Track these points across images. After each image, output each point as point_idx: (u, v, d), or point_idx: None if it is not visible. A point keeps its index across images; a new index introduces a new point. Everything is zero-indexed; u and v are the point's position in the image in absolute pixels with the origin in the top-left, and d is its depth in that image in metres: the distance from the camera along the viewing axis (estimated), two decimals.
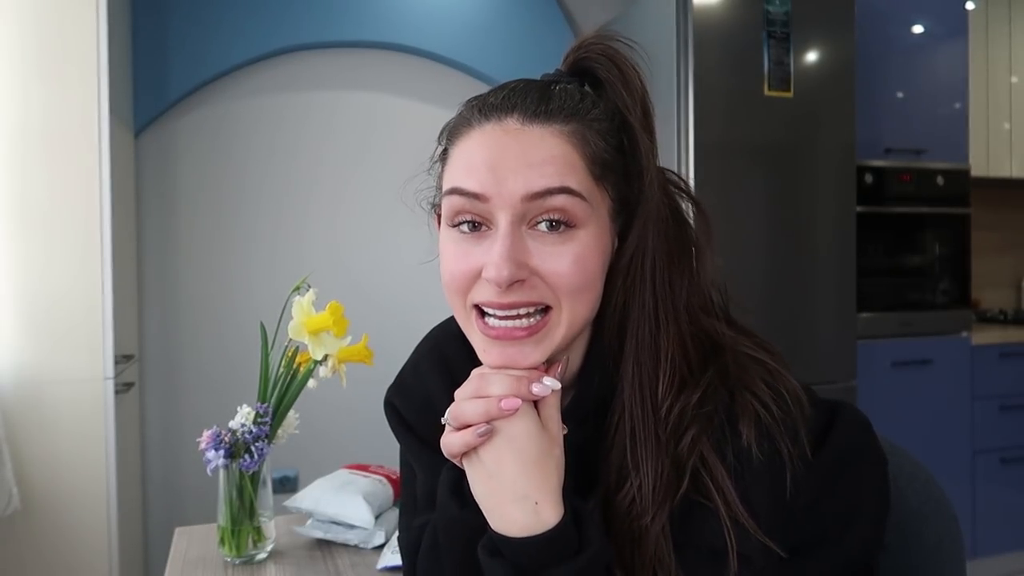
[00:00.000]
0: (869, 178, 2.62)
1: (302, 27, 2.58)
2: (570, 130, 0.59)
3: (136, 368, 2.38)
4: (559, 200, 0.57)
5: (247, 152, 2.59)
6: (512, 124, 0.59)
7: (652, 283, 0.62)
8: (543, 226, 0.58)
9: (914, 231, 2.74)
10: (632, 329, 0.62)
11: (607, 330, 0.63)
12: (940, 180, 2.74)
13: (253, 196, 2.60)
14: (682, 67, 2.21)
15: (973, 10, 2.97)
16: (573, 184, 0.58)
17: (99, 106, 1.91)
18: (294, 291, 1.11)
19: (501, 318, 0.59)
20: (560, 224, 0.58)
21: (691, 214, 0.68)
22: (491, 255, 0.57)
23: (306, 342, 1.08)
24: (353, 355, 1.12)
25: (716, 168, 2.22)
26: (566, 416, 0.63)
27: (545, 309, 0.59)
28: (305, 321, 1.07)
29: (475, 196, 0.58)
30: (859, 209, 2.48)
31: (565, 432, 0.61)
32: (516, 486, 0.57)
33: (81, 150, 1.90)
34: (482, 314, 0.60)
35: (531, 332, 0.59)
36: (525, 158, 0.58)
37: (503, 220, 0.58)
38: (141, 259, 2.49)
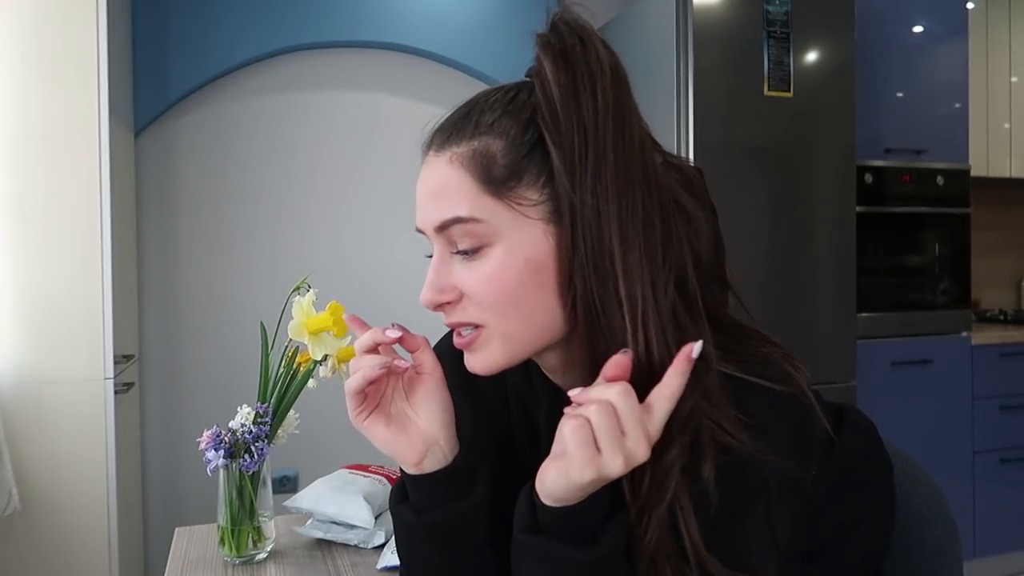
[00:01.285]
0: (869, 178, 2.62)
1: (302, 27, 2.58)
2: (463, 152, 0.60)
3: (136, 368, 2.38)
4: (456, 230, 0.60)
5: (247, 152, 2.59)
6: (430, 156, 0.63)
7: (612, 273, 0.57)
8: (460, 246, 0.61)
9: (914, 231, 2.74)
10: (596, 325, 0.58)
11: (577, 331, 0.61)
12: (940, 180, 2.75)
13: (253, 196, 2.60)
14: (682, 67, 2.21)
15: (973, 10, 2.97)
16: (463, 212, 0.59)
17: (99, 106, 1.91)
18: (294, 291, 1.11)
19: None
20: (468, 248, 0.60)
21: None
22: None
23: (306, 342, 1.08)
24: (353, 355, 1.12)
25: (716, 168, 2.22)
26: None
27: (476, 325, 0.62)
28: (305, 321, 1.07)
29: (419, 231, 0.64)
30: (859, 209, 2.48)
31: None
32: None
33: (81, 150, 1.90)
34: None
35: (467, 343, 0.62)
36: (428, 191, 0.62)
37: (435, 249, 0.62)
38: (141, 259, 2.49)
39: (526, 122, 0.60)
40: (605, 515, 0.55)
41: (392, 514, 0.67)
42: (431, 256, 0.63)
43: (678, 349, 0.55)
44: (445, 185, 0.60)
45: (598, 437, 0.50)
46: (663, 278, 0.58)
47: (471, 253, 0.60)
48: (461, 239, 0.60)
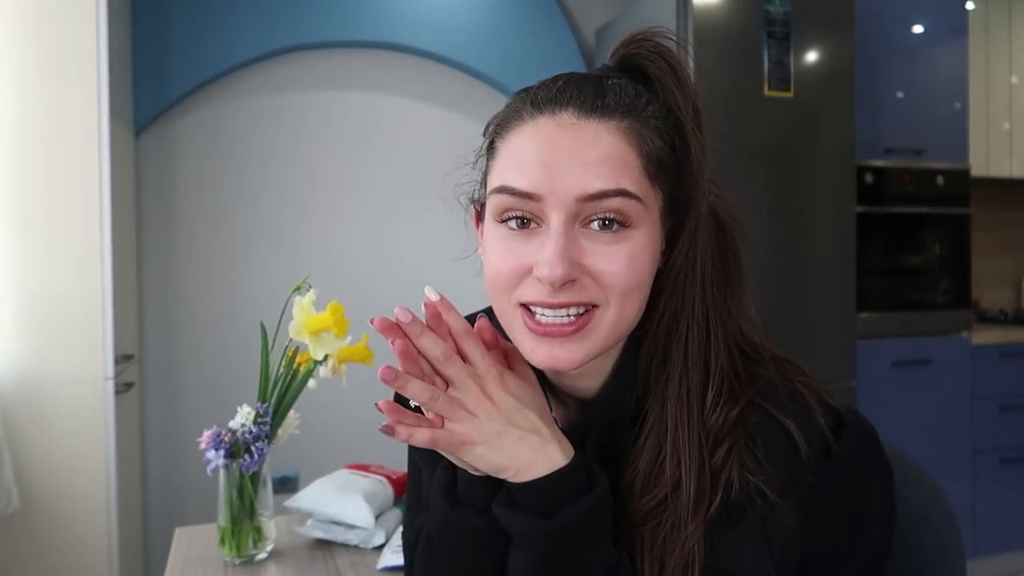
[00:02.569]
0: (869, 178, 2.62)
1: (302, 27, 2.58)
2: (626, 126, 0.57)
3: (136, 368, 2.38)
4: (614, 202, 0.56)
5: (247, 152, 2.59)
6: (567, 118, 0.57)
7: (703, 288, 0.60)
8: (596, 225, 0.57)
9: (914, 231, 2.74)
10: (680, 335, 0.60)
11: (651, 335, 0.62)
12: (940, 180, 2.74)
13: (253, 196, 2.60)
14: None
15: (973, 10, 2.97)
16: (629, 186, 0.56)
17: (99, 106, 1.91)
18: (295, 291, 1.11)
19: (550, 315, 0.58)
20: (614, 223, 0.56)
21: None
22: (543, 253, 0.56)
23: (306, 342, 1.08)
24: (353, 355, 1.12)
25: (716, 168, 2.21)
26: (590, 422, 0.64)
27: (591, 307, 0.58)
28: (305, 321, 1.07)
29: (527, 196, 0.56)
30: (859, 209, 2.48)
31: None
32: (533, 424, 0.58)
33: (81, 150, 1.90)
34: (529, 311, 0.59)
35: (577, 328, 0.57)
36: (580, 156, 0.55)
37: (556, 219, 0.56)
38: (141, 259, 2.49)
39: (665, 114, 0.60)
40: (570, 496, 0.56)
41: (489, 529, 0.59)
42: (518, 226, 0.57)
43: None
44: (610, 154, 0.56)
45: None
46: (734, 299, 0.63)
47: (613, 234, 0.56)
48: (607, 213, 0.56)
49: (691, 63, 0.63)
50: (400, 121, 2.71)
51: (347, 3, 2.62)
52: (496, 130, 0.61)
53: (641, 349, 0.62)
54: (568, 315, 0.57)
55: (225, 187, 2.57)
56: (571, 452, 0.58)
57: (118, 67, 2.09)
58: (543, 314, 0.58)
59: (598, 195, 0.55)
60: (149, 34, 2.43)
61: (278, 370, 1.12)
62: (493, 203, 0.59)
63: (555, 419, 0.65)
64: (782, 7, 2.28)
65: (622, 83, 0.60)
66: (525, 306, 0.58)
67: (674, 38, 0.63)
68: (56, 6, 1.89)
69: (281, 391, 1.12)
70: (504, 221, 0.58)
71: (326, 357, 1.10)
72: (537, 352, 0.58)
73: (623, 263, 0.56)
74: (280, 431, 1.12)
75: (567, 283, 0.56)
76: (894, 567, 0.76)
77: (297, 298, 1.09)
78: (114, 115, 1.98)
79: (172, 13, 2.45)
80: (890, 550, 0.67)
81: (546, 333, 0.57)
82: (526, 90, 0.61)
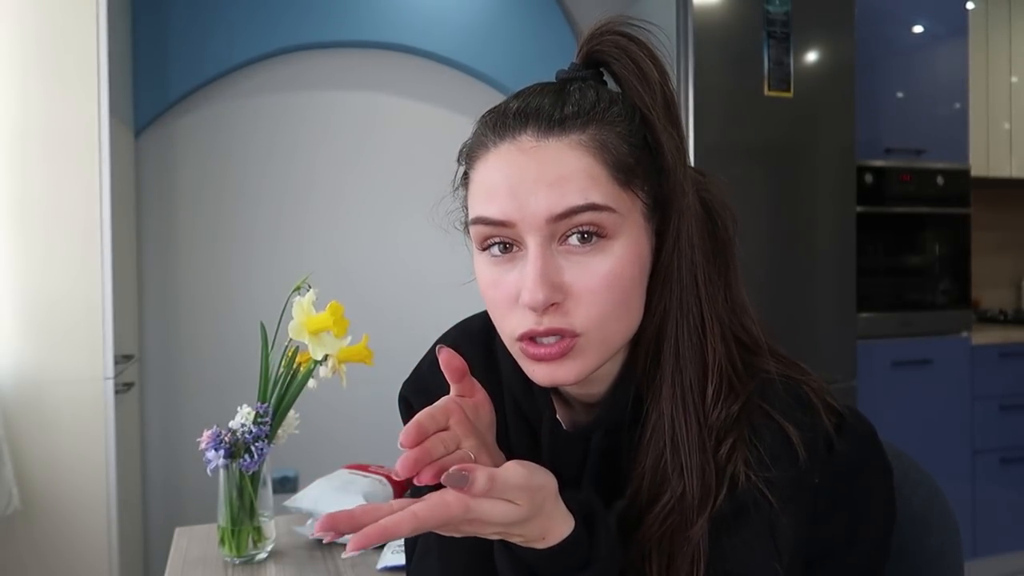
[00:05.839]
0: (869, 178, 2.62)
1: (302, 27, 2.58)
2: (588, 138, 0.56)
3: (136, 368, 2.38)
4: (585, 216, 0.55)
5: (247, 152, 2.59)
6: (527, 141, 0.56)
7: (694, 282, 0.60)
8: (574, 239, 0.56)
9: (914, 231, 2.74)
10: (670, 332, 0.59)
11: (645, 334, 0.61)
12: (940, 180, 2.75)
13: (253, 196, 2.60)
14: (682, 67, 2.21)
15: (973, 10, 2.97)
16: (597, 199, 0.55)
17: (99, 106, 1.91)
18: (295, 291, 1.11)
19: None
20: (592, 236, 0.56)
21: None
22: (525, 279, 0.56)
23: (306, 342, 1.08)
24: (353, 355, 1.12)
25: (716, 168, 2.21)
26: (594, 428, 0.63)
27: (573, 335, 0.57)
28: (305, 321, 1.07)
29: (500, 224, 0.57)
30: (859, 209, 2.48)
31: None
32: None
33: (81, 150, 1.90)
34: (525, 342, 0.58)
35: (562, 351, 0.56)
36: (544, 177, 0.55)
37: (532, 242, 0.56)
38: (141, 259, 2.49)
39: (630, 113, 0.59)
40: (588, 543, 0.54)
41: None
42: (501, 251, 0.57)
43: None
44: (574, 170, 0.55)
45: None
46: (729, 288, 0.62)
47: (592, 246, 0.56)
48: (582, 227, 0.55)
49: (663, 48, 0.62)
50: (400, 121, 2.71)
51: (347, 3, 2.62)
52: (467, 159, 0.62)
53: (638, 350, 0.62)
54: (551, 340, 0.57)
55: (225, 187, 2.57)
56: (569, 516, 0.54)
57: (118, 67, 2.10)
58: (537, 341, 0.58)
59: (567, 213, 0.55)
60: (149, 34, 2.43)
61: (278, 370, 1.12)
62: (473, 233, 0.60)
63: (559, 421, 0.65)
64: (782, 7, 2.28)
65: (583, 87, 0.60)
66: (521, 339, 0.58)
67: (640, 23, 0.62)
68: (56, 6, 1.89)
69: (281, 391, 1.12)
70: (486, 249, 0.59)
71: (326, 357, 1.10)
72: (538, 372, 0.58)
73: (602, 282, 0.56)
74: (280, 431, 1.12)
75: (551, 306, 0.55)
76: (893, 567, 0.76)
77: (297, 298, 1.09)
78: (114, 115, 1.98)
79: (172, 13, 2.45)
80: (889, 550, 0.67)
81: (540, 358, 0.57)
82: (490, 113, 0.61)
